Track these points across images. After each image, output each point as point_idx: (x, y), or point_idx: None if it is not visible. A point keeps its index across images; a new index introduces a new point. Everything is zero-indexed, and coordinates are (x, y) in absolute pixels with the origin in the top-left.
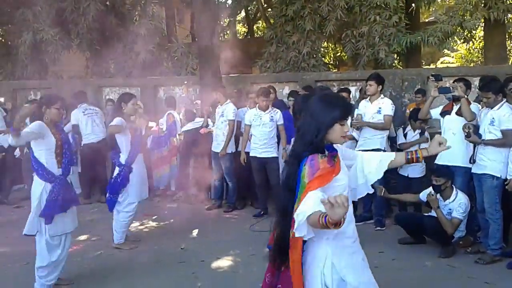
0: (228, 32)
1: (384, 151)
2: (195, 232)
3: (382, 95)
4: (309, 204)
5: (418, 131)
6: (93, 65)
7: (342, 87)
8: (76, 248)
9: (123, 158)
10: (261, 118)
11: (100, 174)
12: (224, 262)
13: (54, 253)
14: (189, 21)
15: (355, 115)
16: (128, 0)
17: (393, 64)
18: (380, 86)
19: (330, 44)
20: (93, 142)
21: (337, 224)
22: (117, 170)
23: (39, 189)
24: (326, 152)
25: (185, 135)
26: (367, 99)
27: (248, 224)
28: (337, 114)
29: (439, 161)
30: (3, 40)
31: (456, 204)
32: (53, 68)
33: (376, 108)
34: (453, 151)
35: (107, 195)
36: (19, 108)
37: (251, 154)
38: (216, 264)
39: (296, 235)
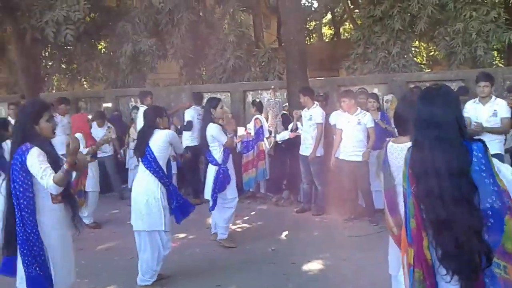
0: (314, 35)
1: (502, 155)
2: (284, 234)
3: (494, 96)
4: None
5: None
6: (186, 72)
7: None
8: (174, 245)
9: (218, 158)
10: (349, 121)
11: (195, 176)
12: (315, 265)
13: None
14: (276, 26)
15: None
16: (217, 9)
17: (493, 63)
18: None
19: (422, 43)
20: (196, 144)
21: None
22: (213, 169)
23: (156, 190)
24: None
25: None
26: (476, 100)
27: (338, 228)
28: None
29: None
30: (106, 51)
31: None
32: (150, 76)
33: (490, 110)
34: None
35: (212, 194)
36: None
37: (340, 157)
38: (307, 266)
39: None
